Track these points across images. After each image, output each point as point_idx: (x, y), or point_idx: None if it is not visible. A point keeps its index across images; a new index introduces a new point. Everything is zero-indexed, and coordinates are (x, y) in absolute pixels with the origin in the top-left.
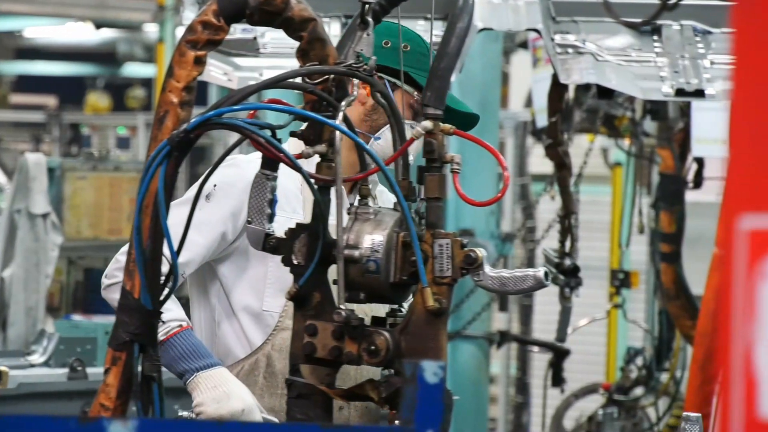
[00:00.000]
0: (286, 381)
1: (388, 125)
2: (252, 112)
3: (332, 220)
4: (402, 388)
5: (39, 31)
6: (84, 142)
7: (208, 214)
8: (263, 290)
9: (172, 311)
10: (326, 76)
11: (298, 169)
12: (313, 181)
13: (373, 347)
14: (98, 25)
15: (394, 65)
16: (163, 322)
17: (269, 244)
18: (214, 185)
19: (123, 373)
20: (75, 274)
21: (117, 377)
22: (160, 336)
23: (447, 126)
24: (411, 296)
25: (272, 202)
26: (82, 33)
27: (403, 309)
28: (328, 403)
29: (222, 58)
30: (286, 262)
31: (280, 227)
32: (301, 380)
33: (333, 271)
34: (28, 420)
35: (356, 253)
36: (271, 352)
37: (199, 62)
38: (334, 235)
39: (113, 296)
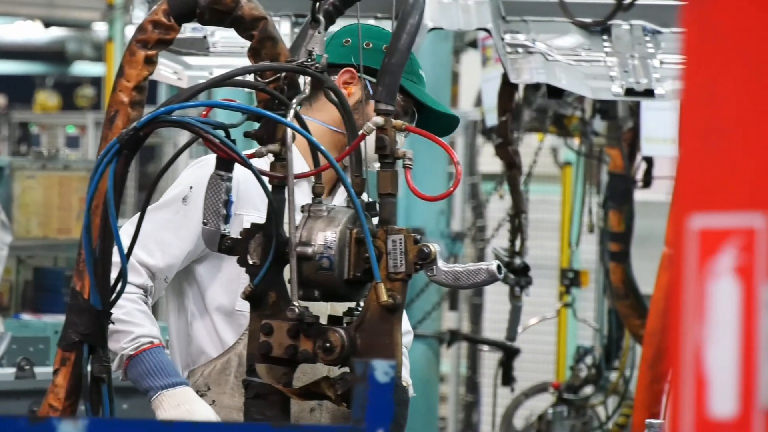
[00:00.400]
0: (243, 381)
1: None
2: (205, 110)
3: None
4: (353, 386)
5: None
6: (33, 141)
7: (186, 217)
8: (237, 290)
9: (145, 327)
10: (278, 75)
11: (249, 167)
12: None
13: (328, 345)
14: (47, 24)
15: (377, 66)
16: (135, 338)
17: (225, 245)
18: (190, 187)
19: (72, 373)
20: (24, 273)
21: (66, 378)
22: (130, 351)
23: (398, 122)
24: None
25: (227, 203)
26: (31, 32)
27: (359, 308)
28: (286, 402)
29: (172, 57)
30: (242, 262)
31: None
32: (258, 380)
33: (288, 271)
34: None
35: (309, 250)
36: (243, 352)
37: (150, 62)
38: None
39: None
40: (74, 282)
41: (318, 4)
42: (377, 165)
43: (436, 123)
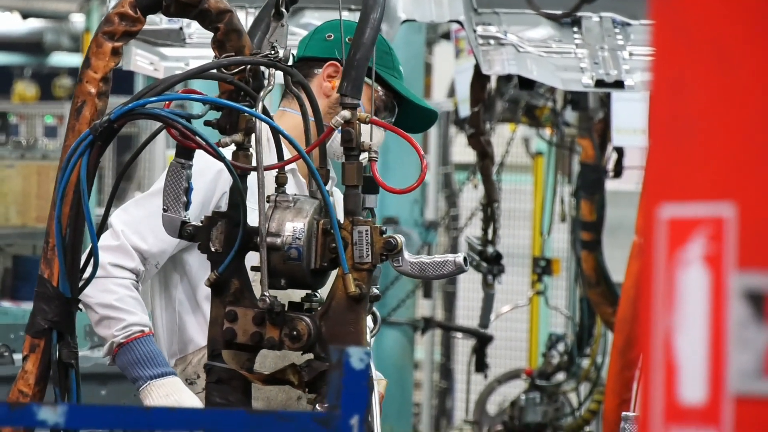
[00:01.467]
0: (204, 366)
1: None
2: (168, 102)
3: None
4: (327, 374)
5: None
6: (12, 130)
7: None
8: None
9: (136, 315)
10: (242, 67)
11: (220, 158)
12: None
13: (294, 333)
14: (25, 15)
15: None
16: (127, 326)
17: (186, 232)
18: None
19: (41, 360)
20: (3, 261)
21: (35, 364)
22: (120, 338)
23: (363, 115)
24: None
25: (188, 191)
26: (8, 23)
27: (317, 294)
28: (247, 387)
29: (148, 48)
30: (203, 249)
31: None
32: (221, 365)
33: (250, 259)
34: None
35: (278, 240)
36: None
37: (116, 53)
38: (251, 223)
39: (85, 291)
40: (42, 270)
41: None
42: (361, 158)
43: (416, 117)
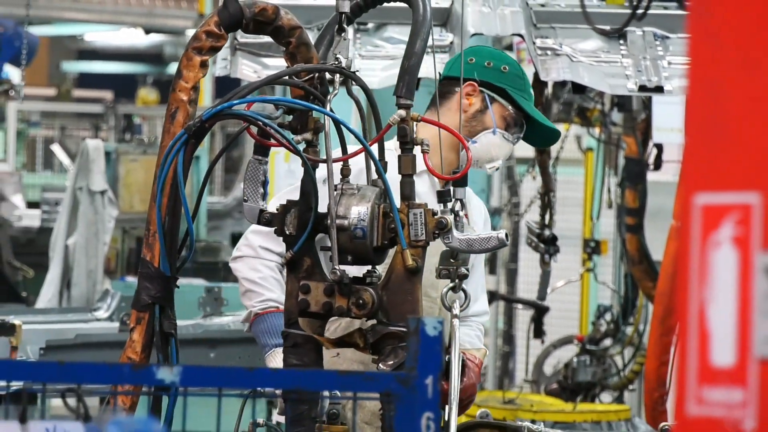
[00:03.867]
0: (282, 333)
1: (485, 131)
2: (249, 104)
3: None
4: (388, 337)
5: (97, 35)
6: (136, 130)
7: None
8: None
9: (274, 293)
10: (312, 74)
11: (297, 152)
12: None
13: (361, 301)
14: (147, 31)
15: (495, 82)
16: (264, 300)
17: (264, 218)
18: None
19: (146, 330)
20: (129, 242)
21: (141, 334)
22: (257, 309)
23: (415, 114)
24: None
25: (264, 183)
26: (133, 37)
27: (377, 270)
28: (319, 350)
29: (253, 58)
30: (279, 233)
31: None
32: (297, 331)
33: (319, 240)
34: (88, 367)
35: (345, 222)
36: None
37: (204, 65)
38: (320, 210)
39: (237, 266)
40: (144, 253)
41: (343, 15)
42: (489, 166)
43: (541, 134)
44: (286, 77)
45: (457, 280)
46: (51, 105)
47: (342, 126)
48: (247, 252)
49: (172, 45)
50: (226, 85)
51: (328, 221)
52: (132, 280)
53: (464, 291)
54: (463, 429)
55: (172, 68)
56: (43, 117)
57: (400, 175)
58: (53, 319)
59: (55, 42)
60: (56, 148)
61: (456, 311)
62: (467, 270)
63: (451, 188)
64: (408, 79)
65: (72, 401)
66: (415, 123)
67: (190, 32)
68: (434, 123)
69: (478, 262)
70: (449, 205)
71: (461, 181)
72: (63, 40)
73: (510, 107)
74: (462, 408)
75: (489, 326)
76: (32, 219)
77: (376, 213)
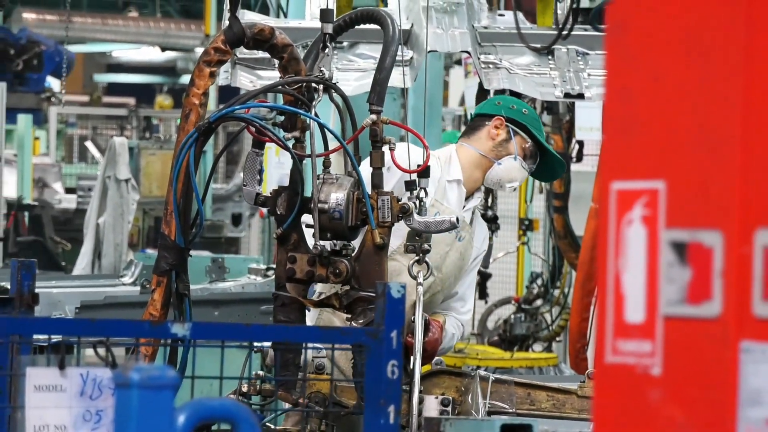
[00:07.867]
0: (272, 294)
1: (508, 156)
2: (248, 108)
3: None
4: (360, 300)
5: (123, 52)
6: (154, 129)
7: (386, 182)
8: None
9: None
10: (300, 84)
11: (285, 147)
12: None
13: (337, 270)
14: (163, 49)
15: (518, 119)
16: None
17: (259, 200)
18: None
19: (164, 292)
20: (148, 221)
21: (161, 294)
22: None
23: (384, 117)
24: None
25: (260, 171)
26: (152, 54)
27: (350, 245)
28: (303, 310)
29: (248, 70)
30: (271, 212)
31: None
32: (285, 293)
33: (305, 218)
34: (115, 323)
35: (326, 206)
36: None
37: (213, 75)
38: (305, 194)
39: None
40: (163, 228)
41: (327, 35)
42: (509, 186)
43: (550, 168)
44: (280, 86)
45: (421, 254)
46: (85, 109)
47: (324, 127)
48: None
49: (184, 60)
50: (227, 93)
51: (312, 204)
52: (151, 252)
53: (426, 263)
54: (426, 375)
55: (184, 79)
56: (79, 119)
57: (371, 168)
58: (86, 284)
59: (89, 58)
60: (89, 144)
61: (420, 279)
62: (429, 246)
63: (417, 179)
64: (379, 90)
65: (102, 351)
66: (385, 125)
67: (199, 49)
68: (400, 125)
69: (472, 269)
70: (414, 193)
71: (425, 173)
72: (95, 56)
73: (529, 141)
74: (426, 359)
75: None
76: (69, 202)
77: (351, 198)
